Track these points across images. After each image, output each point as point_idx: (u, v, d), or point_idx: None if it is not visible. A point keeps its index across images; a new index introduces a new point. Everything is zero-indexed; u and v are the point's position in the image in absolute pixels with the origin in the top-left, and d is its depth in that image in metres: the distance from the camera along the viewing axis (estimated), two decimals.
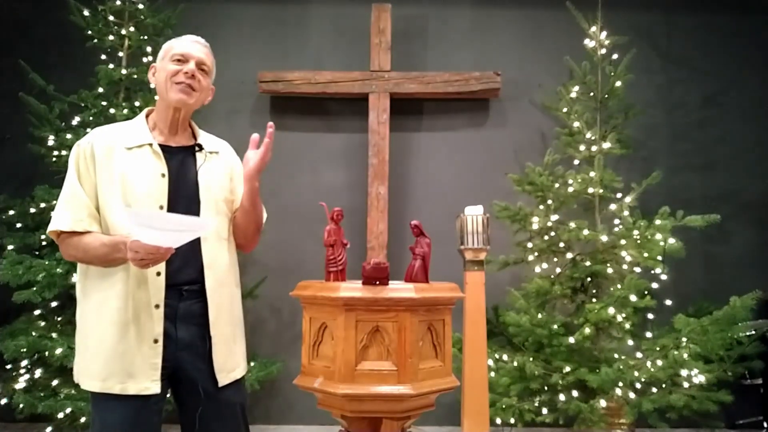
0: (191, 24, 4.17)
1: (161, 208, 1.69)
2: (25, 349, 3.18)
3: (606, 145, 3.68)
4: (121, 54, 3.85)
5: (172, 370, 1.72)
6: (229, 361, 1.79)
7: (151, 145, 1.75)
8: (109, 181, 1.69)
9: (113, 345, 1.65)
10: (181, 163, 1.78)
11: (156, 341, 1.66)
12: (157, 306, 1.66)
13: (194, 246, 1.69)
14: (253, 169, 1.75)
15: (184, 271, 1.71)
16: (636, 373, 3.21)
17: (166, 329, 1.68)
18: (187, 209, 1.72)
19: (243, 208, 1.84)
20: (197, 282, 1.73)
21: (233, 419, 1.81)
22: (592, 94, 3.77)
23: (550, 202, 3.64)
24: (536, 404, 3.32)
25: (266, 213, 1.98)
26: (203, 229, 1.59)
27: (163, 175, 1.72)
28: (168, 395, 1.80)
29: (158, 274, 1.67)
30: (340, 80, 4.14)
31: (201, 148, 1.83)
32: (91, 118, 3.66)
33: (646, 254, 3.39)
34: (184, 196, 1.74)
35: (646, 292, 3.35)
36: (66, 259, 1.75)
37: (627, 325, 3.34)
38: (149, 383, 1.64)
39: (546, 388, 3.33)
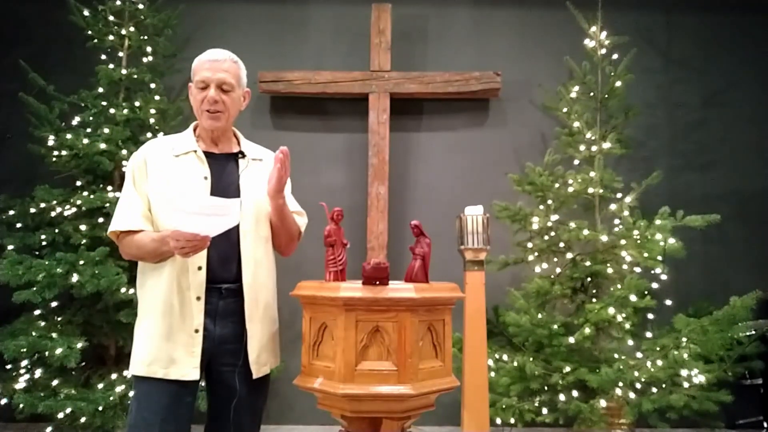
0: (191, 24, 4.19)
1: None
2: (25, 349, 3.18)
3: (606, 145, 3.68)
4: (121, 54, 3.85)
5: (206, 363, 1.82)
6: (262, 356, 1.88)
7: (195, 151, 1.88)
8: (158, 185, 1.83)
9: (158, 332, 1.78)
10: (223, 168, 1.91)
11: (197, 331, 1.78)
12: (198, 298, 1.78)
13: (233, 244, 1.82)
14: (272, 190, 1.83)
15: (224, 267, 1.83)
16: (636, 373, 3.20)
17: (205, 324, 1.79)
18: None
19: (272, 222, 1.93)
20: (236, 281, 1.83)
21: (255, 418, 1.92)
22: (592, 94, 3.77)
23: (550, 202, 3.64)
24: (536, 404, 3.32)
25: (306, 218, 2.07)
26: (232, 210, 1.65)
27: (206, 178, 1.85)
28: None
29: (199, 268, 1.79)
30: (340, 80, 4.14)
31: (244, 155, 1.95)
32: (91, 118, 3.66)
33: (646, 254, 3.39)
34: (225, 198, 1.81)
35: (646, 292, 3.35)
36: (125, 258, 1.94)
37: (627, 325, 3.34)
38: (190, 369, 1.76)
39: (546, 388, 3.33)
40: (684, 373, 3.19)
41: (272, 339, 1.95)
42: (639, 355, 3.34)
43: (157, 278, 1.81)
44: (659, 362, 3.23)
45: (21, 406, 3.20)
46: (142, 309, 1.86)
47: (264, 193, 1.89)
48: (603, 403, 3.20)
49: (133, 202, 1.83)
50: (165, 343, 1.77)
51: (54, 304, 3.46)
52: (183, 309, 1.78)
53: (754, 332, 3.39)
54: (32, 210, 3.57)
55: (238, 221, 1.68)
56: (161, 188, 1.82)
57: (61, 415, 3.20)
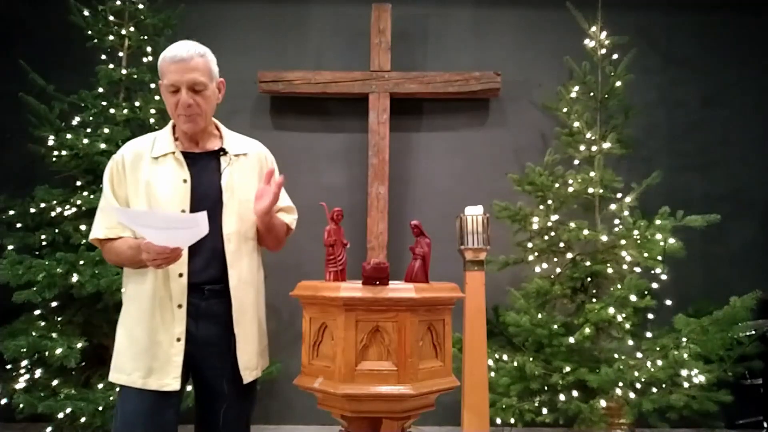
0: (191, 24, 4.19)
1: (183, 212, 1.75)
2: (25, 349, 3.17)
3: (606, 145, 3.68)
4: (121, 54, 3.85)
5: (192, 367, 1.79)
6: (253, 360, 1.84)
7: (174, 153, 1.81)
8: (136, 190, 1.78)
9: (138, 341, 1.74)
10: (203, 168, 1.83)
11: (178, 340, 1.73)
12: (179, 306, 1.73)
13: (217, 246, 1.76)
14: (260, 211, 1.78)
15: (207, 271, 1.77)
16: (636, 373, 3.20)
17: (188, 327, 1.74)
18: (211, 212, 1.74)
19: (258, 229, 1.87)
20: (220, 282, 1.78)
21: (243, 421, 1.88)
22: (592, 94, 3.77)
23: (550, 202, 3.64)
24: (536, 404, 3.32)
25: (296, 214, 2.04)
26: (197, 225, 1.60)
27: (185, 181, 1.79)
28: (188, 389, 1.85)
29: (180, 275, 1.73)
30: (340, 80, 4.14)
31: (225, 152, 1.87)
32: (91, 118, 3.65)
33: (646, 254, 3.39)
34: (206, 200, 1.79)
35: (646, 292, 3.35)
36: (108, 263, 1.93)
37: (627, 325, 3.34)
38: (170, 380, 1.72)
39: (546, 388, 3.33)
40: (684, 373, 3.19)
41: (261, 341, 1.90)
42: (639, 355, 3.34)
43: (139, 285, 1.76)
44: (659, 362, 3.23)
45: (21, 406, 3.19)
46: (123, 315, 1.82)
47: (249, 190, 1.84)
48: (603, 403, 3.20)
49: (111, 208, 1.78)
50: (144, 352, 1.72)
51: (54, 304, 3.45)
52: (164, 317, 1.73)
53: (754, 332, 3.39)
54: (32, 210, 3.57)
55: (207, 231, 1.61)
56: (140, 193, 1.77)
57: (61, 415, 3.19)
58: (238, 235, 1.81)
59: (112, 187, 1.80)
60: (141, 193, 1.77)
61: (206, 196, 1.79)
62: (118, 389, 1.81)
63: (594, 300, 3.49)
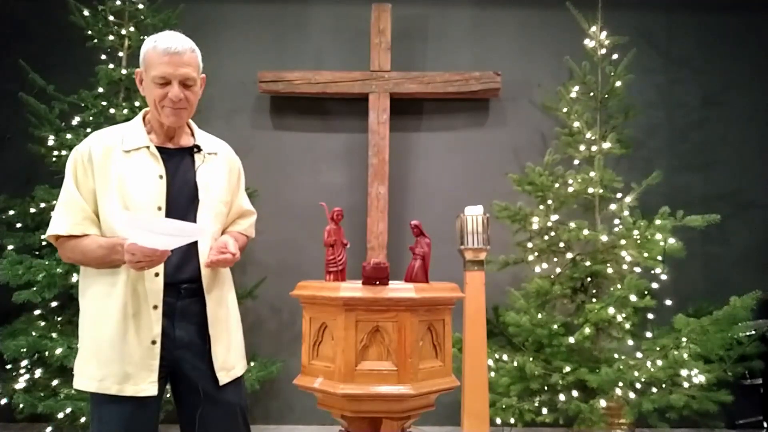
0: (191, 24, 4.18)
1: (159, 209, 1.70)
2: (25, 349, 3.17)
3: (606, 145, 3.68)
4: (121, 54, 3.85)
5: (170, 369, 1.73)
6: (229, 360, 1.79)
7: (148, 147, 1.75)
8: (106, 184, 1.69)
9: (111, 345, 1.66)
10: (179, 165, 1.78)
11: (154, 342, 1.67)
12: (155, 307, 1.67)
13: (191, 245, 1.70)
14: (211, 265, 1.75)
15: (183, 269, 1.73)
16: (636, 373, 3.21)
17: (164, 328, 1.68)
18: (186, 210, 1.74)
19: None
20: (195, 281, 1.74)
21: (233, 420, 1.82)
22: (592, 94, 3.77)
23: (550, 202, 3.64)
24: (536, 404, 3.32)
25: (255, 216, 2.04)
26: (201, 235, 1.60)
27: (161, 177, 1.73)
28: (168, 395, 1.81)
29: (156, 275, 1.67)
30: (340, 80, 4.14)
31: (199, 149, 1.83)
32: (91, 118, 3.65)
33: (646, 254, 3.39)
34: (182, 197, 1.75)
35: (646, 292, 3.35)
36: (65, 262, 1.75)
37: (627, 325, 3.34)
38: (146, 385, 1.65)
39: (546, 388, 3.33)
40: (684, 373, 3.19)
41: (238, 341, 1.86)
42: (639, 355, 3.34)
43: (108, 286, 1.67)
44: (659, 362, 3.23)
45: (21, 406, 3.19)
46: (88, 318, 1.71)
47: (220, 190, 1.83)
48: (603, 403, 3.20)
49: (76, 203, 1.69)
50: (118, 357, 1.64)
51: (54, 304, 3.45)
52: (138, 319, 1.65)
53: (754, 332, 3.40)
54: (32, 210, 3.57)
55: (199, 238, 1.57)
56: (111, 188, 1.68)
57: (61, 415, 3.19)
58: (212, 232, 1.78)
59: (76, 181, 1.70)
60: (112, 188, 1.68)
61: (182, 193, 1.75)
62: (89, 397, 1.71)
63: (594, 300, 3.49)
